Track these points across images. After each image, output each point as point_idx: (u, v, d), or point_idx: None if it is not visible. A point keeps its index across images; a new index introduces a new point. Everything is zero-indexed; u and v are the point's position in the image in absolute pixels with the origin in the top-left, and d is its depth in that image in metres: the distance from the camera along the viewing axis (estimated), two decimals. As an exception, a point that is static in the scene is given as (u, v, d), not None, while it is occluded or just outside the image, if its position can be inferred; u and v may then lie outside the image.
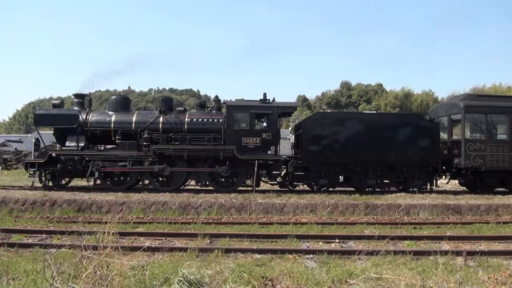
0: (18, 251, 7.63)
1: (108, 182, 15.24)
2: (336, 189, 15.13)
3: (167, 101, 16.29)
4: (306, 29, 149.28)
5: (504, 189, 15.96)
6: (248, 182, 15.30)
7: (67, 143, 15.33)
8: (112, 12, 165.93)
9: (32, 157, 15.14)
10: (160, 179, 15.18)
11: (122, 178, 15.27)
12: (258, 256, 7.43)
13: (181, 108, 16.06)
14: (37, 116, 16.35)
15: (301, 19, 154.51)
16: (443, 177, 16.82)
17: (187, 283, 4.94)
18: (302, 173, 14.98)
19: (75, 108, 15.89)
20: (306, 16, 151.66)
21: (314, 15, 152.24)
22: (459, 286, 5.33)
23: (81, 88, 16.49)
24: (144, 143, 14.68)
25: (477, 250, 7.94)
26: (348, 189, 15.51)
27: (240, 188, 15.12)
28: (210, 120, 15.18)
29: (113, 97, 17.30)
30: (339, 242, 8.83)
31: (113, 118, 15.36)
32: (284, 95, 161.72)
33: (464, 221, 11.56)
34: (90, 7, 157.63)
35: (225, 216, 12.10)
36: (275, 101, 15.32)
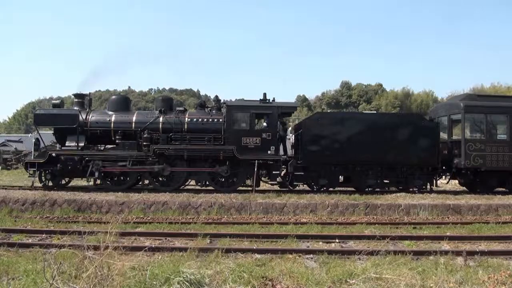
0: (18, 251, 7.62)
1: (108, 182, 15.23)
2: (336, 189, 15.10)
3: (167, 101, 16.27)
4: (306, 29, 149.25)
5: (504, 189, 15.94)
6: (248, 182, 15.28)
7: (67, 143, 15.30)
8: (112, 12, 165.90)
9: (32, 157, 15.14)
10: (160, 179, 15.17)
11: (122, 178, 15.27)
12: (258, 256, 7.43)
13: (181, 108, 16.04)
14: (37, 116, 16.33)
15: (301, 18, 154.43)
16: (443, 177, 16.81)
17: (187, 283, 4.94)
18: (302, 173, 14.97)
19: (75, 108, 15.88)
20: (306, 15, 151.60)
21: (314, 15, 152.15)
22: (459, 286, 5.33)
23: (82, 87, 16.50)
24: (144, 143, 14.67)
25: (477, 250, 7.93)
26: (348, 189, 15.49)
27: (240, 188, 15.10)
28: (210, 120, 15.16)
29: (113, 97, 17.30)
30: (339, 242, 8.82)
31: (113, 118, 15.35)
32: (284, 95, 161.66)
33: (464, 221, 11.55)
34: (90, 7, 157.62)
35: (225, 216, 12.09)
36: (275, 101, 15.33)
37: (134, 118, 15.34)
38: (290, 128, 21.38)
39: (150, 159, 14.60)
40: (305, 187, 16.06)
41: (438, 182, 16.58)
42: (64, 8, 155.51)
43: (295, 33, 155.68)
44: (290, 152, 16.20)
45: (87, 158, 14.72)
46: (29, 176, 15.48)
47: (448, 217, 12.26)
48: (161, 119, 15.17)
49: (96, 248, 5.29)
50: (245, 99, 16.09)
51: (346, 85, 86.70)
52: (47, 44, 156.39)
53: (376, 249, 7.41)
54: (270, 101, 15.24)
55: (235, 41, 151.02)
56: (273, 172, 14.74)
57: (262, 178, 15.25)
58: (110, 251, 4.80)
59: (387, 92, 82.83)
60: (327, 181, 15.11)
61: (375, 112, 51.70)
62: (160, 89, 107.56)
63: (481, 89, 64.96)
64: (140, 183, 16.12)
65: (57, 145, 15.71)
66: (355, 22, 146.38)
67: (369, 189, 15.35)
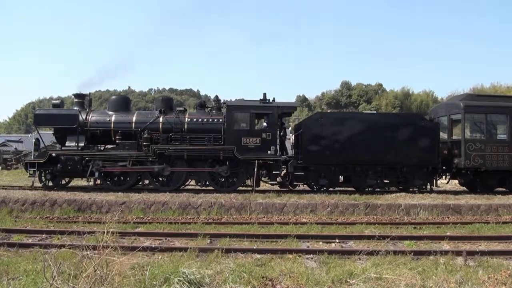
0: (18, 251, 7.62)
1: (108, 182, 15.22)
2: (336, 189, 15.10)
3: (167, 101, 16.27)
4: (306, 29, 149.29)
5: (504, 189, 15.94)
6: (248, 182, 15.28)
7: (67, 143, 15.31)
8: (112, 11, 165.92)
9: (32, 157, 15.15)
10: (160, 179, 15.17)
11: (122, 178, 15.26)
12: (258, 256, 7.42)
13: (181, 108, 16.05)
14: (37, 116, 16.34)
15: (301, 18, 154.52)
16: (443, 177, 16.80)
17: (187, 283, 4.94)
18: (302, 173, 14.96)
19: (75, 108, 15.88)
20: (306, 15, 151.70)
21: (314, 15, 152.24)
22: (459, 286, 5.33)
23: (86, 86, 16.52)
24: (144, 143, 14.66)
25: (477, 250, 7.92)
26: (348, 189, 15.48)
27: (240, 188, 15.10)
28: (210, 120, 15.16)
29: (113, 97, 17.31)
30: (339, 242, 8.82)
31: (113, 118, 15.35)
32: (284, 95, 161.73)
33: (464, 221, 11.54)
34: (90, 7, 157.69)
35: (225, 216, 12.08)
36: (275, 101, 15.32)
37: (134, 118, 15.34)
38: (290, 128, 21.37)
39: (150, 159, 14.59)
40: (305, 187, 16.06)
41: (438, 182, 16.57)
42: (64, 8, 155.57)
43: (294, 33, 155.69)
44: (290, 152, 16.19)
45: (87, 158, 14.72)
46: (29, 176, 15.49)
47: (448, 217, 12.25)
48: (161, 119, 15.17)
49: (95, 248, 5.28)
50: (245, 99, 16.08)
51: (346, 85, 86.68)
52: (47, 44, 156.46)
53: (376, 249, 7.41)
54: (270, 101, 15.24)
55: (235, 40, 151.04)
56: (273, 172, 14.73)
57: (262, 178, 15.23)
58: (109, 250, 4.80)
59: (387, 92, 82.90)
60: (327, 181, 15.09)
61: (375, 112, 51.71)
62: (160, 89, 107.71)
63: (481, 89, 64.99)
64: (140, 183, 16.12)
65: (57, 145, 15.71)
66: (356, 22, 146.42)
67: (369, 189, 15.34)
